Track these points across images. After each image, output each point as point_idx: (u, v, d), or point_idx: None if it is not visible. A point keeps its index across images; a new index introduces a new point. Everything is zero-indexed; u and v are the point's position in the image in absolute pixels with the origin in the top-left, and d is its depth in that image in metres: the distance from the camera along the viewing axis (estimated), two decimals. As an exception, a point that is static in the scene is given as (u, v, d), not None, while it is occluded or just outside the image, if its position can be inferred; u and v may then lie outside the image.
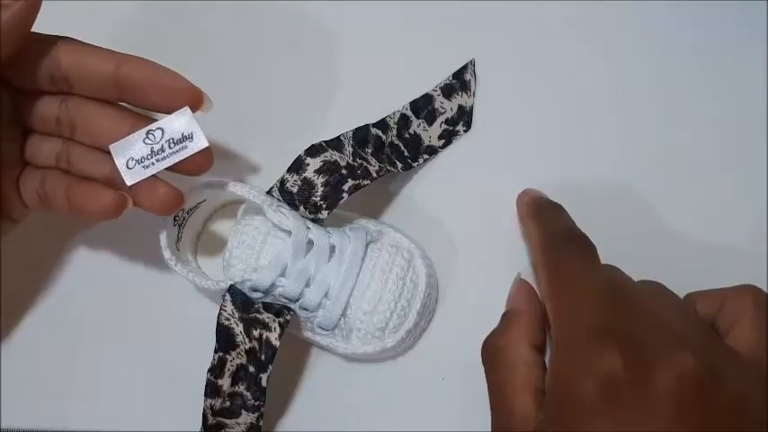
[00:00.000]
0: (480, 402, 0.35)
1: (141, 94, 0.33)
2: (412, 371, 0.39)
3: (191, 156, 0.33)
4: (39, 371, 0.40)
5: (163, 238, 0.37)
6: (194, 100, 0.34)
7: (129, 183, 0.33)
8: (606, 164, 0.41)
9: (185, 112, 0.33)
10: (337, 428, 0.38)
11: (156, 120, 0.34)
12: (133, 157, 0.33)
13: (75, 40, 0.33)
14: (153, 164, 0.33)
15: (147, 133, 0.33)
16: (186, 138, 0.33)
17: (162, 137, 0.33)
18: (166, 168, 0.33)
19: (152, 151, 0.33)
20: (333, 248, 0.36)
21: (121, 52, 0.33)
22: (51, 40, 0.33)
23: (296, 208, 0.37)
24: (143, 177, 0.33)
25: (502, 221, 0.40)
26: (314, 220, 0.37)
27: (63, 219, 0.41)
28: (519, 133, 0.42)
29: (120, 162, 0.33)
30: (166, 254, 0.37)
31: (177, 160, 0.33)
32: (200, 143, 0.33)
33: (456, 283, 0.40)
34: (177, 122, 0.33)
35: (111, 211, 0.33)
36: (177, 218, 0.38)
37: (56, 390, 0.40)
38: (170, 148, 0.33)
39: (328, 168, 0.36)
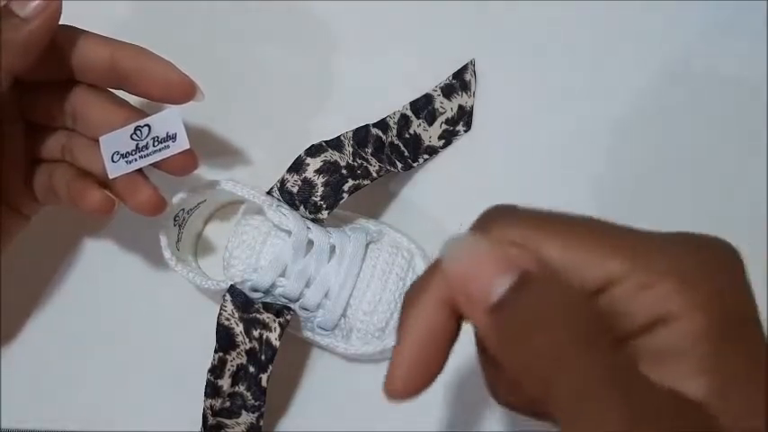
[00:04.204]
0: (480, 402, 0.35)
1: (135, 82, 0.33)
2: (412, 371, 0.38)
3: (171, 156, 0.33)
4: (39, 371, 0.40)
5: (163, 238, 0.37)
6: (186, 90, 0.34)
7: (111, 176, 0.33)
8: (606, 164, 0.41)
9: (173, 111, 0.33)
10: (337, 428, 0.38)
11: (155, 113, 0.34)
12: (119, 150, 0.33)
13: (74, 27, 0.33)
14: (136, 160, 0.33)
15: (135, 129, 0.33)
16: (170, 137, 0.33)
17: (148, 134, 0.33)
18: (151, 165, 0.33)
19: (137, 147, 0.33)
20: (333, 248, 0.36)
21: (118, 40, 0.33)
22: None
23: (296, 208, 0.37)
24: (125, 172, 0.33)
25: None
26: (314, 221, 0.37)
27: (62, 219, 0.41)
28: (519, 133, 0.42)
29: (106, 155, 0.33)
30: (167, 254, 0.37)
31: (158, 159, 0.33)
32: (181, 144, 0.33)
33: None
34: (164, 121, 0.33)
35: (98, 211, 0.34)
36: (177, 218, 0.38)
37: (56, 390, 0.40)
38: (153, 146, 0.33)
39: (328, 168, 0.36)
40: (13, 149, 0.35)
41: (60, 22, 0.33)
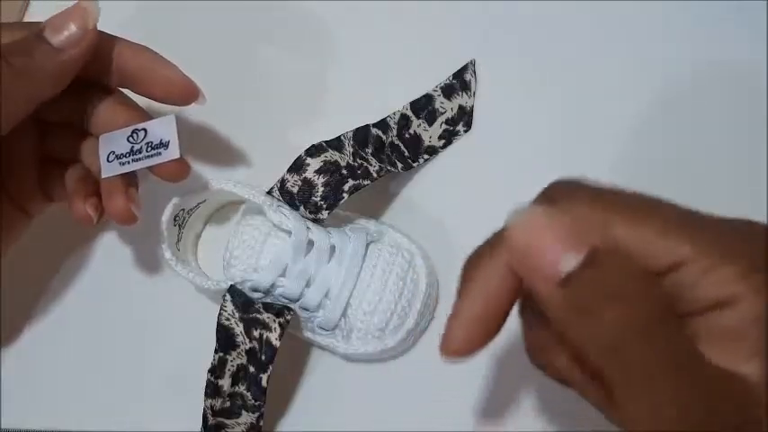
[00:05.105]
0: (480, 402, 0.35)
1: (138, 82, 0.34)
2: (412, 371, 0.39)
3: (161, 163, 0.33)
4: (39, 371, 0.40)
5: (163, 238, 0.37)
6: (188, 93, 0.34)
7: (104, 175, 0.33)
8: (607, 164, 0.41)
9: (169, 119, 0.33)
10: (337, 428, 0.38)
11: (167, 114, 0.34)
12: (114, 151, 0.33)
13: None
14: (128, 162, 0.33)
15: (133, 132, 0.33)
16: (162, 144, 0.33)
17: (143, 138, 0.33)
18: (146, 169, 0.34)
19: (131, 150, 0.33)
20: (333, 248, 0.36)
21: (124, 38, 0.34)
22: None
23: (296, 208, 0.37)
24: (117, 173, 0.33)
25: (502, 221, 0.40)
26: (314, 221, 0.37)
27: (63, 218, 0.41)
28: (519, 133, 0.42)
29: (102, 154, 0.33)
30: (167, 254, 0.37)
31: (149, 164, 0.33)
32: (172, 153, 0.33)
33: (456, 283, 0.39)
34: (159, 127, 0.33)
35: (81, 223, 0.35)
36: (178, 218, 0.38)
37: (56, 390, 0.40)
38: (146, 151, 0.33)
39: (328, 168, 0.36)
40: (23, 149, 0.35)
41: None
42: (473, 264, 0.24)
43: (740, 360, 0.20)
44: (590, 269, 0.20)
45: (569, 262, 0.20)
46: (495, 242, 0.24)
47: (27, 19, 0.46)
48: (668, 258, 0.21)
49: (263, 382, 0.35)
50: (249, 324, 0.35)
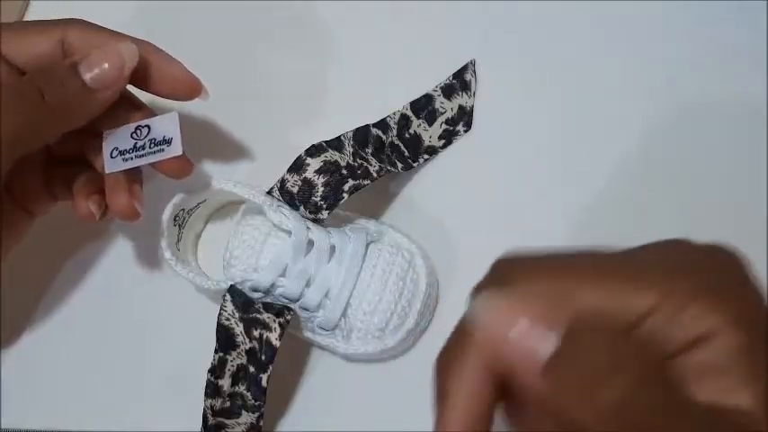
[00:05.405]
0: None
1: (143, 78, 0.34)
2: (412, 370, 0.38)
3: (164, 160, 0.33)
4: (39, 371, 0.40)
5: (163, 238, 0.37)
6: (192, 88, 0.34)
7: (107, 171, 0.34)
8: (607, 164, 0.41)
9: (172, 116, 0.33)
10: (337, 428, 0.38)
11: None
12: (118, 147, 0.34)
13: (85, 21, 0.34)
14: (132, 159, 0.33)
15: (136, 128, 0.33)
16: (166, 141, 0.33)
17: (147, 134, 0.33)
18: (150, 166, 0.34)
19: (135, 146, 0.33)
20: (333, 248, 0.36)
21: (129, 35, 0.34)
22: (62, 22, 0.33)
23: (296, 208, 0.37)
24: (120, 169, 0.33)
25: (502, 221, 0.40)
26: (314, 221, 0.37)
27: (63, 219, 0.41)
28: (519, 133, 0.42)
29: (106, 150, 0.34)
30: (167, 254, 0.37)
31: (152, 161, 0.33)
32: (175, 150, 0.33)
33: (456, 283, 0.39)
34: (162, 124, 0.33)
35: (82, 220, 0.35)
36: (178, 218, 0.38)
37: (56, 390, 0.40)
38: (150, 147, 0.33)
39: (328, 168, 0.36)
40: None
41: (66, 18, 0.34)
42: (447, 369, 0.23)
43: (729, 393, 0.20)
44: (568, 349, 0.19)
45: (546, 347, 0.19)
46: (464, 342, 0.22)
47: (27, 19, 0.46)
48: (635, 312, 0.20)
49: (263, 382, 0.35)
50: (249, 324, 0.35)
